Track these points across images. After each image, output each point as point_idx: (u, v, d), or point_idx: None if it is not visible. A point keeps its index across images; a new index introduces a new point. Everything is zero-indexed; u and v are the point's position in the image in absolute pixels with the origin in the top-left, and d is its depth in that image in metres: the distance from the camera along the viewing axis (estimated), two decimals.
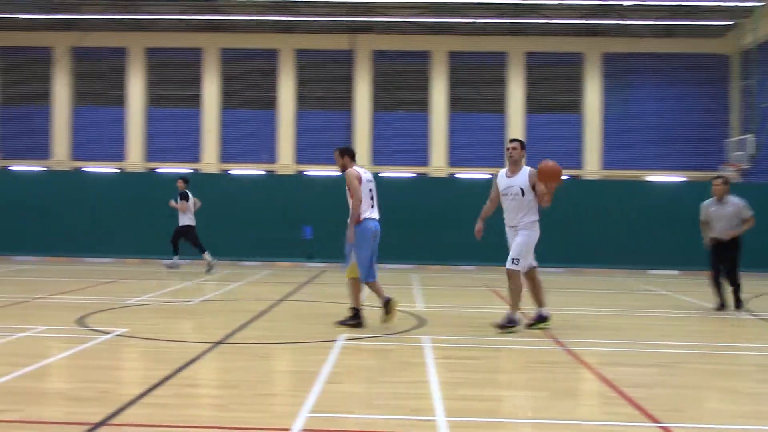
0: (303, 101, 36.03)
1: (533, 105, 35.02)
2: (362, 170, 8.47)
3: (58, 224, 17.61)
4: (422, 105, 35.70)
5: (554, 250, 17.85)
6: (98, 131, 36.45)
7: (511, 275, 8.19)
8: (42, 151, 36.33)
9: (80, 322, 8.37)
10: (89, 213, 17.54)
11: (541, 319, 8.48)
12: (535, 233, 8.30)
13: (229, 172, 31.07)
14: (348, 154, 8.57)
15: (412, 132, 35.47)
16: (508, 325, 8.16)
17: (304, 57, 36.11)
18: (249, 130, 35.88)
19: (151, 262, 17.23)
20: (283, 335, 7.84)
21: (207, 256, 15.31)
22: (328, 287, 13.18)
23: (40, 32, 36.23)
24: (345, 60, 35.87)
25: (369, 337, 7.71)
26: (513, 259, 8.16)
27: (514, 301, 8.24)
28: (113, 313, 9.19)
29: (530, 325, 8.45)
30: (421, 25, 34.67)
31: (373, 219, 8.35)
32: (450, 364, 6.53)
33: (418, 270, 16.74)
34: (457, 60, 35.50)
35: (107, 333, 7.66)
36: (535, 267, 8.53)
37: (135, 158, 36.09)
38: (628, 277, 16.77)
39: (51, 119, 36.78)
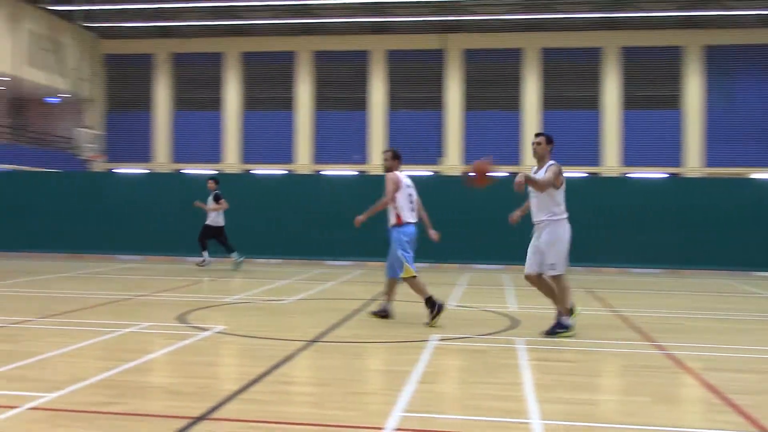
0: (394, 101, 36.16)
1: (630, 101, 34.01)
2: (403, 175, 8.79)
3: (159, 225, 18.26)
4: (513, 103, 35.25)
5: (652, 250, 17.30)
6: (196, 134, 37.61)
7: (555, 280, 7.88)
8: (144, 155, 37.80)
9: (181, 319, 8.66)
10: (188, 213, 18.11)
11: (561, 327, 7.89)
12: (561, 231, 7.81)
13: (321, 173, 31.47)
14: (399, 158, 8.92)
15: (504, 130, 35.06)
16: (558, 330, 7.84)
17: (394, 58, 36.23)
18: (341, 131, 36.29)
19: (247, 261, 17.66)
20: (375, 334, 7.88)
21: (234, 256, 15.70)
22: None
23: (142, 40, 37.64)
24: (436, 59, 35.79)
25: (461, 338, 7.66)
26: (551, 264, 7.79)
27: (563, 304, 7.86)
28: (212, 311, 9.47)
29: (549, 333, 7.89)
30: (513, 23, 34.22)
31: (413, 223, 8.72)
32: (545, 366, 6.41)
33: (509, 271, 16.53)
34: (549, 57, 34.86)
35: (206, 330, 7.89)
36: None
37: (231, 160, 37.06)
38: (731, 278, 16.06)
39: (152, 124, 38.20)
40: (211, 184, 16.06)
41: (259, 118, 36.85)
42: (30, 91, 35.44)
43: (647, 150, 33.15)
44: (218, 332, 7.79)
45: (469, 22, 34.05)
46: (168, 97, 37.67)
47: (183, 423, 4.49)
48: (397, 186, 8.64)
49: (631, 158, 33.52)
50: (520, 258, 16.79)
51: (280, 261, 18.00)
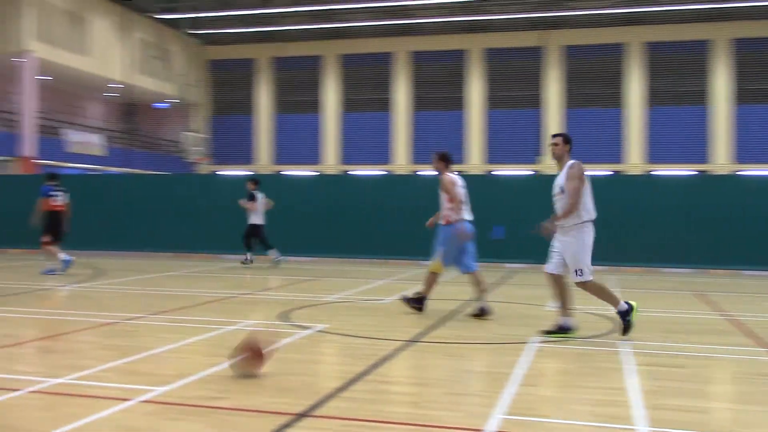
0: (492, 100, 35.84)
1: (743, 95, 32.49)
2: (455, 175, 9.19)
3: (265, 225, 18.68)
4: (615, 100, 34.33)
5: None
6: (297, 136, 38.35)
7: (585, 286, 7.55)
8: (246, 157, 38.85)
9: (283, 317, 8.84)
10: (289, 214, 18.48)
11: (562, 330, 7.64)
12: (585, 235, 7.42)
13: (418, 173, 31.49)
14: (447, 160, 9.28)
15: (606, 128, 34.18)
16: (555, 331, 7.64)
17: (492, 56, 35.91)
18: (438, 131, 36.22)
19: (347, 261, 17.89)
20: (474, 335, 7.82)
21: (273, 253, 16.31)
22: (519, 288, 13.01)
23: (244, 45, 38.68)
24: (534, 57, 35.25)
25: (563, 340, 7.50)
26: (576, 271, 7.43)
27: (610, 301, 7.51)
28: (313, 310, 9.62)
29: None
30: (614, 17, 33.30)
31: (467, 220, 9.05)
32: (652, 372, 6.19)
33: (614, 272, 16.06)
34: (654, 51, 33.75)
35: (308, 328, 8.03)
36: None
37: (330, 161, 37.61)
38: None
39: (254, 126, 39.21)
40: (249, 185, 16.64)
41: (358, 120, 37.25)
42: (140, 98, 37.10)
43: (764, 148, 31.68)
44: (319, 331, 7.91)
45: (569, 17, 33.33)
46: (269, 100, 38.61)
47: (286, 419, 4.58)
48: (454, 185, 9.00)
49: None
50: (626, 259, 16.24)
51: (380, 261, 18.12)
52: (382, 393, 5.38)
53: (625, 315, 7.47)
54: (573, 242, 7.42)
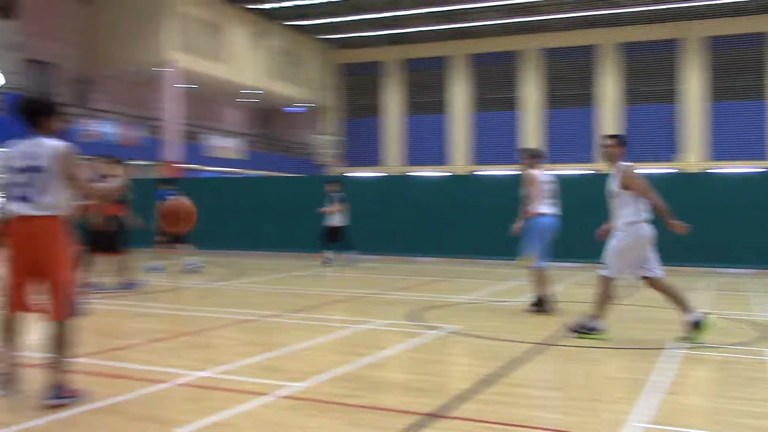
0: (629, 96, 34.71)
1: None
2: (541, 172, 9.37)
3: (392, 225, 18.88)
4: (760, 92, 32.41)
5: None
6: (426, 137, 38.51)
7: (598, 281, 7.53)
8: (376, 158, 39.38)
9: (413, 317, 8.91)
10: (419, 215, 18.58)
11: (697, 326, 7.29)
12: (631, 237, 7.29)
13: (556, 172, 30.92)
14: (538, 156, 9.59)
15: (754, 122, 32.36)
16: (579, 330, 7.54)
17: (627, 50, 34.74)
18: (569, 129, 35.45)
19: (478, 262, 17.78)
20: (606, 339, 7.58)
21: (348, 254, 16.63)
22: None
23: (373, 48, 39.25)
24: (671, 50, 33.84)
25: (703, 347, 7.14)
26: (606, 263, 7.45)
27: (595, 309, 7.49)
28: (443, 310, 9.65)
29: (575, 330, 7.57)
30: (760, 4, 31.42)
31: (551, 215, 9.29)
32: None
33: (761, 275, 15.13)
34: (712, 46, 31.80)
35: (438, 329, 8.06)
36: (654, 276, 7.46)
37: (460, 161, 37.53)
38: None
39: (384, 128, 39.70)
40: (329, 188, 16.96)
41: (487, 120, 37.00)
42: (274, 102, 38.43)
43: None
44: (450, 332, 7.92)
45: (709, 7, 31.73)
46: (398, 101, 39.01)
47: (417, 419, 4.62)
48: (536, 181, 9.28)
49: None
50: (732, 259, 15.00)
51: (507, 261, 17.88)
52: (516, 396, 5.32)
53: (592, 330, 7.47)
54: (615, 240, 7.42)
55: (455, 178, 24.56)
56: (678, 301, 7.42)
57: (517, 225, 9.63)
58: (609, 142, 7.71)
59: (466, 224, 18.28)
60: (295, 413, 4.78)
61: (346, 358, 6.49)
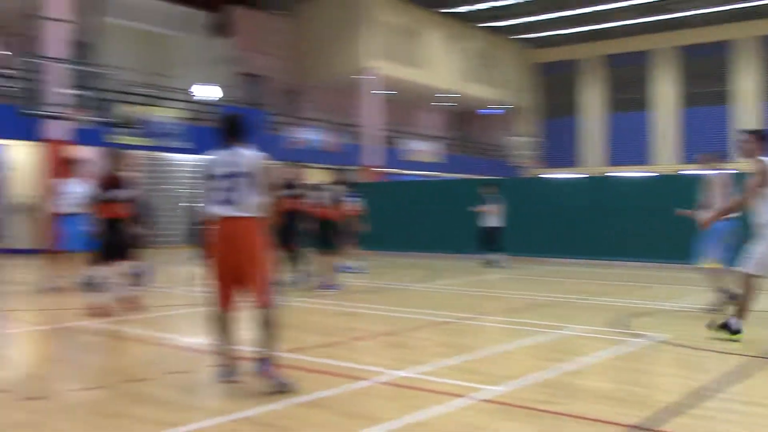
0: None
1: None
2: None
3: (589, 229, 18.25)
4: None
5: None
6: (628, 136, 36.95)
7: (741, 280, 7.26)
8: (573, 159, 38.33)
9: (615, 323, 8.53)
10: (619, 216, 17.82)
11: (725, 326, 7.23)
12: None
13: None
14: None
15: None
16: (722, 327, 7.26)
17: None
18: None
19: (665, 267, 16.73)
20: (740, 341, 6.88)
21: (499, 256, 16.68)
22: None
23: (571, 46, 38.27)
24: None
25: None
26: (745, 257, 7.21)
27: (737, 308, 7.24)
28: (648, 318, 9.15)
29: (712, 327, 7.41)
30: None
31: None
32: None
33: None
34: None
35: (643, 336, 7.65)
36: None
37: (664, 160, 35.70)
38: None
39: (582, 127, 38.56)
40: (486, 190, 17.32)
41: (696, 115, 34.80)
42: (470, 105, 38.58)
43: None
44: (657, 341, 7.48)
45: None
46: (598, 99, 37.72)
47: (618, 430, 4.42)
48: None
49: None
50: None
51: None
52: (732, 413, 4.92)
53: (727, 326, 7.22)
54: (760, 239, 7.16)
55: (661, 179, 23.27)
56: (746, 300, 7.21)
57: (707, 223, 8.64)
58: (745, 137, 7.49)
59: (670, 227, 17.25)
60: (492, 417, 4.74)
61: (545, 363, 6.34)
